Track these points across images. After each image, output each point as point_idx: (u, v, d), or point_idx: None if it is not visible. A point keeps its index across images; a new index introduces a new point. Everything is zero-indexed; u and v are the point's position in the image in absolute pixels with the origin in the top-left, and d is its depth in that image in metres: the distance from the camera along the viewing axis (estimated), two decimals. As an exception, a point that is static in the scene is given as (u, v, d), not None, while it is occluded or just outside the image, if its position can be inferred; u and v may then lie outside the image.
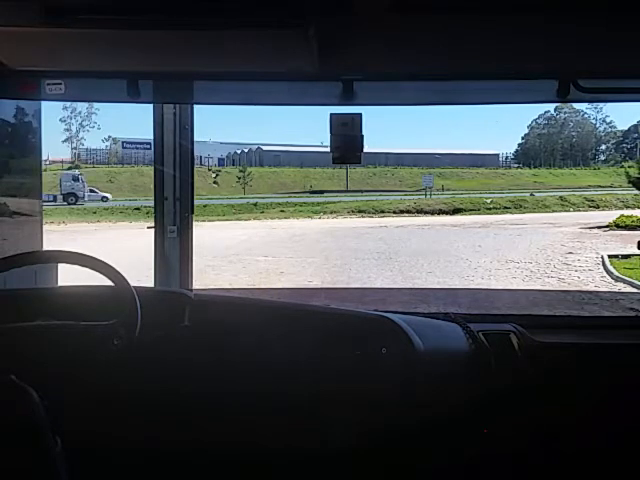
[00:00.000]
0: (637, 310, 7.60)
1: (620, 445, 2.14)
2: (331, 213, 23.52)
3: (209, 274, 10.58)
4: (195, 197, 2.68)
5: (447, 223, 20.50)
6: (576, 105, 37.99)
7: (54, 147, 33.55)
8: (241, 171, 31.38)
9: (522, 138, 41.06)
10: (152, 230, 2.67)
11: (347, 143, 2.17)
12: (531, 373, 2.09)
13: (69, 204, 24.61)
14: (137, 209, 21.88)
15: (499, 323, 2.25)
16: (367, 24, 1.63)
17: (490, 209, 24.09)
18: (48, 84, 2.11)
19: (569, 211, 24.13)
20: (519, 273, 12.28)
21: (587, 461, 2.13)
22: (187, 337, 2.01)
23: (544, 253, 14.38)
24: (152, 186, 2.65)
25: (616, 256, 12.61)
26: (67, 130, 35.50)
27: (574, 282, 11.37)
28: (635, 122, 37.20)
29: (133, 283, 1.88)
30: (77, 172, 27.53)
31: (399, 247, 15.15)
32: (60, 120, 34.50)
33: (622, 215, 18.38)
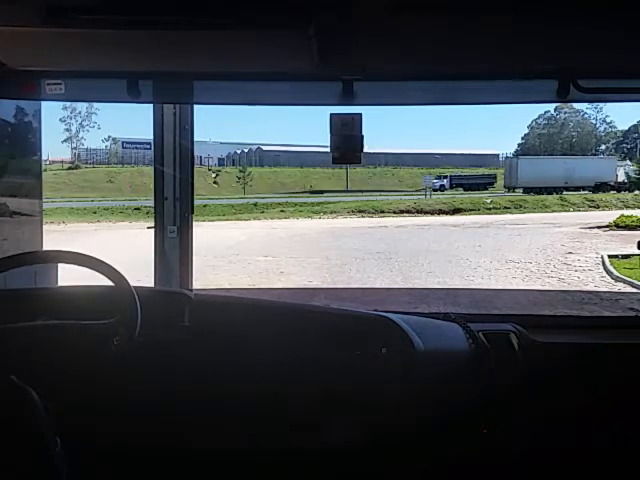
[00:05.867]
0: (637, 310, 7.58)
1: (620, 445, 2.14)
2: (331, 213, 23.48)
3: (209, 274, 10.57)
4: (195, 197, 2.68)
5: (447, 223, 20.47)
6: (576, 105, 37.92)
7: (54, 147, 33.55)
8: (241, 171, 31.38)
9: (522, 138, 41.05)
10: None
11: (347, 143, 2.18)
12: (531, 373, 2.09)
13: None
14: (137, 209, 21.87)
15: (499, 323, 2.25)
16: (367, 24, 1.63)
17: (490, 209, 24.05)
18: (48, 84, 2.11)
19: (569, 211, 24.09)
20: (519, 273, 12.27)
21: (587, 461, 2.13)
22: (187, 337, 2.01)
23: (544, 253, 14.37)
24: (152, 186, 2.65)
25: (616, 256, 12.58)
26: (67, 130, 35.54)
27: (574, 282, 11.36)
28: (635, 122, 37.18)
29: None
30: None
31: (399, 247, 15.12)
32: (60, 120, 34.55)
33: (622, 215, 18.34)
